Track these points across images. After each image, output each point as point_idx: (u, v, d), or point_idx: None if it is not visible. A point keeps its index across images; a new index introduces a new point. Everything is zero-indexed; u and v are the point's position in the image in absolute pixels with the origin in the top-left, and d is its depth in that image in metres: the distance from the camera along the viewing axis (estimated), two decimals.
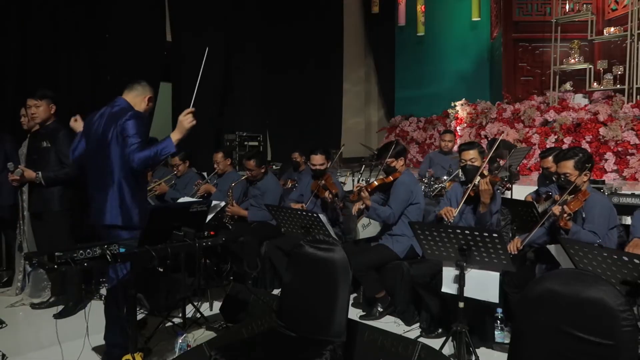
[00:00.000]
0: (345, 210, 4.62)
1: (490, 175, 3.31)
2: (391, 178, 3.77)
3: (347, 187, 6.05)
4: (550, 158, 3.91)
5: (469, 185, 3.34)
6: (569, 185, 3.00)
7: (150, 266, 2.46)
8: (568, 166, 3.03)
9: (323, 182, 4.31)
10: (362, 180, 5.70)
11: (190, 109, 2.79)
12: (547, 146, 6.40)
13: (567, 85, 7.93)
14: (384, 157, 3.82)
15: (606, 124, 6.32)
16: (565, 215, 2.87)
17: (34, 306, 4.03)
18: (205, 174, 5.36)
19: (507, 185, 4.05)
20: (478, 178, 3.25)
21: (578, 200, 2.95)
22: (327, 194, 4.23)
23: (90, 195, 2.88)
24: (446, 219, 3.32)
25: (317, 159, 4.41)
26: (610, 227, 3.00)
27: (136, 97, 2.92)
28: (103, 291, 4.28)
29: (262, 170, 4.81)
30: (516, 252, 3.22)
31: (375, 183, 3.77)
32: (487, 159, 3.45)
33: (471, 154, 3.42)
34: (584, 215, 3.01)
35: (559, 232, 2.96)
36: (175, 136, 2.75)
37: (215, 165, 5.22)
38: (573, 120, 6.74)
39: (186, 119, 2.76)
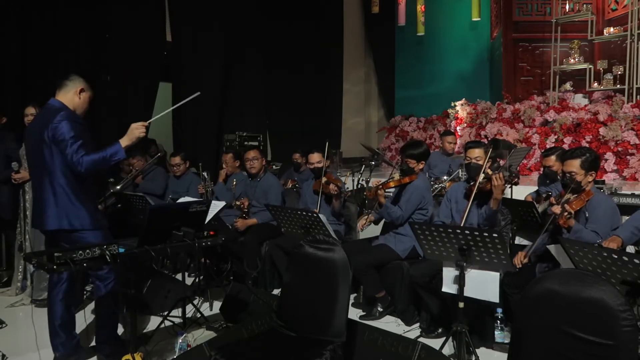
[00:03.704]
0: (346, 210, 4.62)
1: (493, 173, 3.30)
2: (407, 179, 3.75)
3: (347, 187, 6.05)
4: (553, 157, 3.89)
5: (472, 183, 3.34)
6: (574, 185, 2.99)
7: (147, 264, 2.47)
8: (574, 165, 3.02)
9: (325, 179, 4.30)
10: (362, 180, 5.70)
11: (146, 123, 2.79)
12: (547, 146, 6.40)
13: (567, 85, 7.93)
14: (407, 155, 3.77)
15: (606, 124, 6.32)
16: (565, 213, 2.85)
17: (35, 302, 4.02)
18: (205, 174, 5.36)
19: (515, 180, 4.02)
20: (482, 175, 3.26)
21: (580, 200, 2.93)
22: (332, 187, 4.21)
23: (34, 199, 2.86)
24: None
25: (315, 157, 4.46)
26: (613, 227, 2.98)
27: (67, 94, 2.85)
28: None
29: (263, 163, 4.81)
30: (521, 266, 3.15)
31: (391, 184, 3.76)
32: (487, 158, 3.44)
33: (477, 153, 3.44)
34: (587, 215, 3.00)
35: (560, 232, 2.95)
36: (124, 142, 2.74)
37: (224, 166, 5.23)
38: (573, 120, 6.74)
39: (138, 129, 2.75)
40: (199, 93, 2.93)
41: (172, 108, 3.08)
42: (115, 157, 2.71)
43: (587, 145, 6.29)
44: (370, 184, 3.89)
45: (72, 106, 2.85)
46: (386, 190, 3.74)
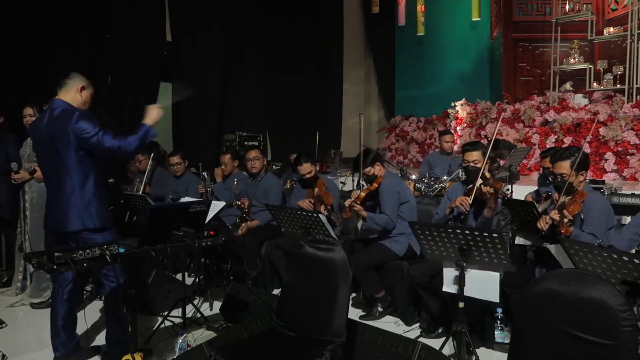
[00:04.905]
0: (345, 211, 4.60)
1: (492, 178, 3.29)
2: (376, 185, 3.78)
3: (347, 187, 6.04)
4: None
5: (470, 186, 3.33)
6: (566, 186, 2.98)
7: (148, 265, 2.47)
8: (564, 166, 3.00)
9: (317, 190, 4.23)
10: (362, 180, 5.68)
11: (161, 105, 2.93)
12: (547, 146, 6.40)
13: (567, 85, 7.93)
14: (360, 169, 3.77)
15: (606, 124, 6.33)
16: (565, 221, 2.84)
17: (33, 306, 4.03)
18: (205, 174, 5.36)
19: (508, 195, 3.99)
20: (480, 181, 3.23)
21: (576, 203, 2.91)
22: (322, 208, 4.15)
23: (50, 202, 2.87)
24: (462, 209, 3.27)
25: (305, 168, 4.30)
26: (608, 227, 2.98)
27: (69, 93, 2.85)
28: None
29: (264, 163, 4.79)
30: (546, 229, 3.02)
31: (363, 194, 3.76)
32: (486, 160, 3.42)
33: (474, 156, 3.40)
34: (582, 217, 2.99)
35: (560, 235, 2.94)
36: (149, 122, 2.85)
37: (223, 167, 5.22)
38: (573, 120, 6.75)
39: (159, 110, 2.90)
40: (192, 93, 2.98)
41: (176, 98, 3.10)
42: (150, 134, 2.83)
43: (587, 145, 6.29)
44: (344, 203, 3.82)
45: (75, 104, 2.84)
46: (360, 202, 3.71)
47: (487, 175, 3.30)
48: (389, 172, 3.91)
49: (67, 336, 2.97)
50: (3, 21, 5.49)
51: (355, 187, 5.66)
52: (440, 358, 2.58)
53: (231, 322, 3.55)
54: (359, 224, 4.42)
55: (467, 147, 3.50)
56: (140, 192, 4.94)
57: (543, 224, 3.05)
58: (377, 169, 3.79)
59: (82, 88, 2.89)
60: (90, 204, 2.77)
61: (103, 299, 2.93)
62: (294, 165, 4.56)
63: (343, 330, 2.50)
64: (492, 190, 3.12)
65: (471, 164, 3.40)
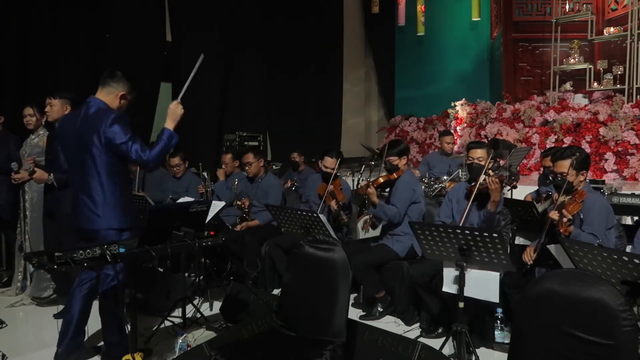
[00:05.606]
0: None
1: (494, 174, 3.30)
2: (395, 175, 3.78)
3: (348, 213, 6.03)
4: None
5: (473, 184, 3.33)
6: (566, 186, 2.98)
7: (150, 265, 2.46)
8: (565, 165, 3.00)
9: (331, 187, 4.20)
10: (362, 179, 5.70)
11: (179, 100, 2.83)
12: (547, 146, 6.41)
13: (567, 85, 7.94)
14: (387, 154, 3.81)
15: (606, 124, 6.33)
16: (565, 220, 2.84)
17: (36, 300, 4.02)
18: (205, 174, 5.35)
19: (514, 184, 4.01)
20: (483, 177, 3.24)
21: (576, 203, 2.91)
22: (333, 202, 4.15)
23: (76, 199, 2.84)
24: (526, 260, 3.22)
25: (330, 162, 4.30)
26: (607, 227, 2.98)
27: (109, 96, 2.82)
28: None
29: (262, 165, 4.78)
30: (532, 262, 3.12)
31: (381, 179, 3.77)
32: (489, 158, 3.44)
33: (479, 153, 3.42)
34: (581, 217, 2.99)
35: (559, 235, 2.94)
36: (171, 125, 2.79)
37: (224, 166, 5.21)
38: (573, 120, 6.75)
39: (178, 107, 2.81)
40: (202, 56, 2.88)
41: (189, 80, 2.97)
42: (173, 141, 2.78)
43: (587, 145, 6.30)
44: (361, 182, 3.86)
45: (113, 107, 2.82)
46: (376, 186, 3.73)
47: (491, 173, 3.31)
48: (409, 170, 3.93)
49: (74, 334, 2.96)
50: (3, 21, 5.49)
51: (355, 187, 5.69)
52: (440, 358, 2.58)
53: (231, 322, 3.55)
54: (360, 224, 4.43)
55: (473, 145, 3.54)
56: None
57: (528, 258, 3.11)
58: (402, 162, 3.80)
59: (123, 97, 2.86)
60: (117, 203, 2.77)
61: (99, 299, 2.91)
62: (320, 155, 4.55)
63: (343, 330, 2.50)
64: (497, 180, 3.13)
65: (475, 161, 3.42)
